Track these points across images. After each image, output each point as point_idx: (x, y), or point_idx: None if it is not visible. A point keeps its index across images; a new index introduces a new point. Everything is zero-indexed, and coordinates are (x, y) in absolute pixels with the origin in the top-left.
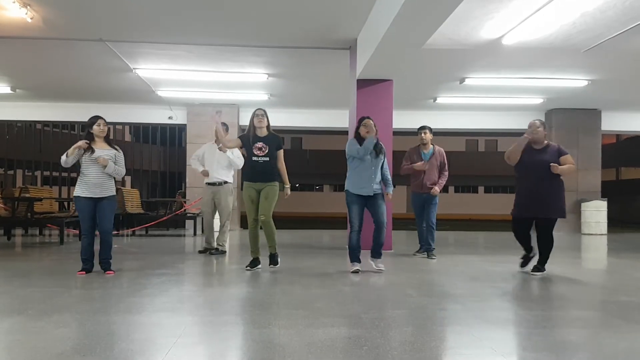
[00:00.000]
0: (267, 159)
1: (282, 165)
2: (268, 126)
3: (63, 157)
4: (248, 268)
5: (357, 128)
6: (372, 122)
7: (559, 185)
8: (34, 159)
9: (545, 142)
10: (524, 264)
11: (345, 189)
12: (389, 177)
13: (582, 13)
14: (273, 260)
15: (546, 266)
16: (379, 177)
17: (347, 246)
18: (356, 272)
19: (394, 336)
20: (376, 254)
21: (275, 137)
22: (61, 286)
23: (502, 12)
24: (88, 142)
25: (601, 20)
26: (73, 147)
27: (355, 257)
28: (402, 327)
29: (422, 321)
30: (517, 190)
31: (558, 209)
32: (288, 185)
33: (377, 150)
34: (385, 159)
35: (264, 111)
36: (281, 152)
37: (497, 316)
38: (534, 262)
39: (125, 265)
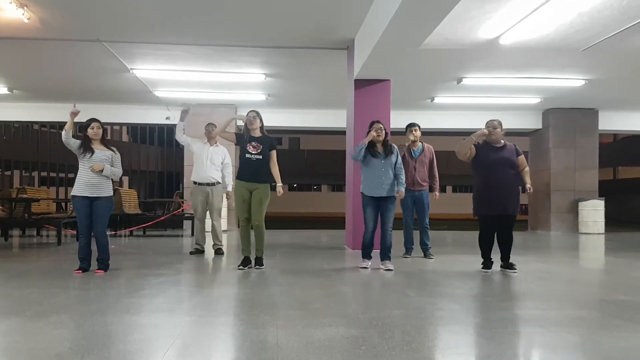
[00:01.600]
0: (260, 157)
1: (275, 165)
2: (261, 128)
3: (63, 133)
4: (240, 267)
5: (368, 132)
6: (382, 125)
7: (518, 184)
8: (31, 159)
9: (502, 141)
10: (487, 267)
11: (361, 191)
12: (402, 176)
13: (580, 13)
14: (259, 262)
15: (546, 266)
16: (391, 179)
17: (345, 246)
18: (365, 268)
19: (391, 336)
20: (384, 256)
21: (269, 139)
22: (59, 287)
23: (500, 12)
24: (79, 110)
25: (598, 20)
26: (69, 120)
27: (366, 254)
28: (400, 327)
29: (420, 321)
30: (478, 189)
31: (518, 207)
32: (280, 184)
33: (387, 151)
34: (399, 159)
35: (257, 113)
36: (274, 153)
37: (495, 316)
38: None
39: (123, 265)
